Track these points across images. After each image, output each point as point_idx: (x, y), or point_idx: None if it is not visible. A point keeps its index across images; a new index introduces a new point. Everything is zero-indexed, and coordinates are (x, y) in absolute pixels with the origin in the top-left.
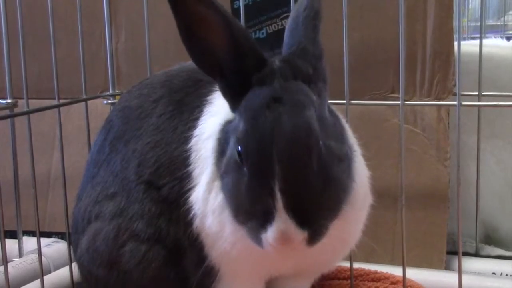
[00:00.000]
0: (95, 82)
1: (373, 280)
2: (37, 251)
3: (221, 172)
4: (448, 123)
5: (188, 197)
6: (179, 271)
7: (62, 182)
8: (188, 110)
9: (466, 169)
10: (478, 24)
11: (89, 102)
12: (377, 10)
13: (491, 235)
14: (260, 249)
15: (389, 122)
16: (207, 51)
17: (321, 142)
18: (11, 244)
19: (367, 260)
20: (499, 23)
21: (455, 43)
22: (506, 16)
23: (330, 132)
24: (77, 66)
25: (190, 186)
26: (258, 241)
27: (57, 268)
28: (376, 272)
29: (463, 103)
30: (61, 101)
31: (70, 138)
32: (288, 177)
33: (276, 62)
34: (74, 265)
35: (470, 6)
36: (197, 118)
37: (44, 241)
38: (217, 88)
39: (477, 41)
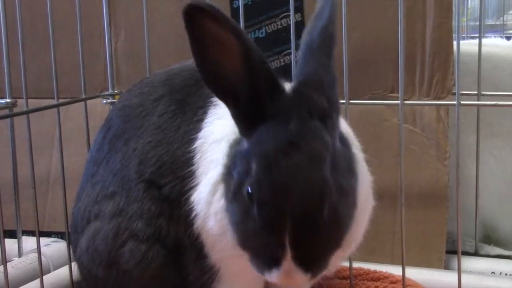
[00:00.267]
0: (95, 82)
1: (372, 279)
2: (36, 251)
3: (229, 194)
4: (448, 123)
5: (190, 196)
6: (179, 271)
7: (61, 182)
8: (191, 110)
9: (465, 169)
10: (477, 23)
11: (88, 102)
12: (377, 10)
13: (490, 234)
14: None
15: (388, 121)
16: (221, 74)
17: (333, 191)
18: (10, 244)
19: (366, 260)
20: (498, 23)
21: (454, 43)
22: (505, 16)
23: (341, 168)
24: (76, 66)
25: (192, 184)
26: (260, 271)
27: (56, 267)
28: (375, 271)
29: (462, 102)
30: (61, 100)
31: (69, 138)
32: (300, 234)
33: (291, 92)
34: (74, 264)
35: (469, 5)
36: (201, 120)
37: (44, 240)
38: None
39: (476, 41)
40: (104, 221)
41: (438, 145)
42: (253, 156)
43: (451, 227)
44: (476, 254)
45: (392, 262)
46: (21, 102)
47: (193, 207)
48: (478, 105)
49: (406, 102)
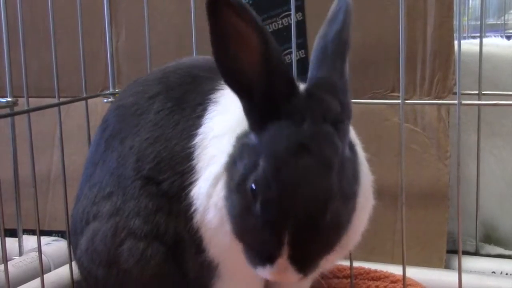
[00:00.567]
0: (95, 81)
1: (373, 279)
2: (37, 250)
3: (231, 184)
4: (448, 122)
5: (190, 191)
6: (180, 268)
7: (62, 181)
8: (189, 107)
9: (466, 168)
10: (478, 23)
11: (89, 100)
12: (378, 9)
13: (491, 234)
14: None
15: (389, 121)
16: (239, 68)
17: (337, 197)
18: (11, 243)
19: (367, 259)
20: (499, 22)
21: (455, 42)
22: (506, 15)
23: (347, 174)
24: (77, 64)
25: (193, 179)
26: (253, 265)
27: (57, 266)
28: (376, 271)
29: (463, 102)
30: (61, 99)
31: (70, 136)
32: (300, 235)
33: (304, 93)
34: (74, 263)
35: (470, 5)
36: (200, 116)
37: (44, 239)
38: (219, 86)
39: (477, 40)
40: (102, 221)
41: (439, 145)
42: (263, 152)
43: (451, 226)
44: (476, 253)
45: (392, 261)
46: (22, 101)
47: (193, 201)
48: (479, 105)
49: (407, 101)
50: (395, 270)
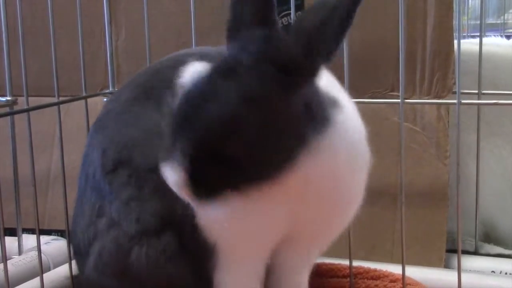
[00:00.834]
0: (95, 80)
1: (372, 278)
2: (36, 249)
3: None
4: (448, 122)
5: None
6: (187, 261)
7: (61, 180)
8: (157, 93)
9: (466, 168)
10: (478, 22)
11: (89, 100)
12: (377, 8)
13: (490, 233)
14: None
15: (388, 120)
16: None
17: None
18: (10, 242)
19: (366, 258)
20: (499, 22)
21: (455, 42)
22: (506, 15)
23: (278, 125)
24: (77, 64)
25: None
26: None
27: (56, 265)
28: (375, 270)
29: (463, 101)
30: (61, 99)
31: (69, 136)
32: (199, 154)
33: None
34: (74, 262)
35: (470, 4)
36: (171, 95)
37: (44, 238)
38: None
39: (477, 40)
40: (103, 238)
41: (439, 144)
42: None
43: (451, 226)
44: (476, 253)
45: (392, 260)
46: (21, 100)
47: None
48: (478, 104)
49: (406, 100)
50: (395, 269)
